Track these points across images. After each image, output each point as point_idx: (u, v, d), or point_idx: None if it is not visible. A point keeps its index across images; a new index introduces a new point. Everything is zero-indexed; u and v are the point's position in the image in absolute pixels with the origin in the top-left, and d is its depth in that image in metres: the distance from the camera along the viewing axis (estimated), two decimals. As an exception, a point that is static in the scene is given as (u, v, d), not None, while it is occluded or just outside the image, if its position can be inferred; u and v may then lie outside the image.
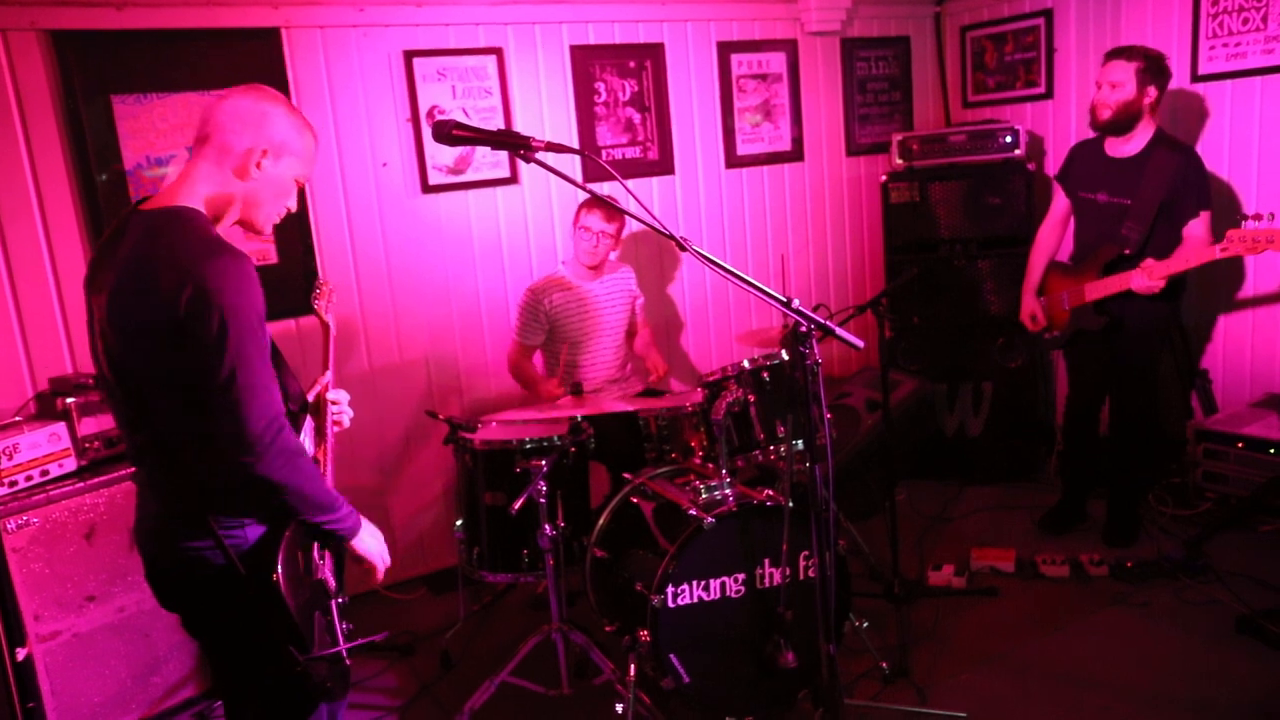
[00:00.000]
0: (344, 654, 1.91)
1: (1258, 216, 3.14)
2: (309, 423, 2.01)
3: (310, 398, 2.11)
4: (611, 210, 3.51)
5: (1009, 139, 4.39)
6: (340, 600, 1.98)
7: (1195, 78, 4.03)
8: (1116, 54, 3.48)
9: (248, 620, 1.77)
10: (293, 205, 1.90)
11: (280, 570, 1.72)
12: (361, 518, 1.93)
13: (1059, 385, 4.54)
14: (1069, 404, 3.97)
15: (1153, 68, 3.42)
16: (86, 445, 2.87)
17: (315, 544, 1.90)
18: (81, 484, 2.79)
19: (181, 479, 1.75)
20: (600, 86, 4.15)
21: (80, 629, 2.78)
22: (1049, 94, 4.59)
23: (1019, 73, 4.69)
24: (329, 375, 2.20)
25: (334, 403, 2.17)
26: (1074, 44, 4.43)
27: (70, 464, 2.83)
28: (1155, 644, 3.07)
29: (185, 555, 1.75)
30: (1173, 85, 4.05)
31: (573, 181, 1.99)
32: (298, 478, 1.71)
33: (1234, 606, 3.16)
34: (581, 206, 3.63)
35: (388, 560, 2.00)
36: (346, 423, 2.20)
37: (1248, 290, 4.03)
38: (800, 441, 2.84)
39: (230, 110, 1.78)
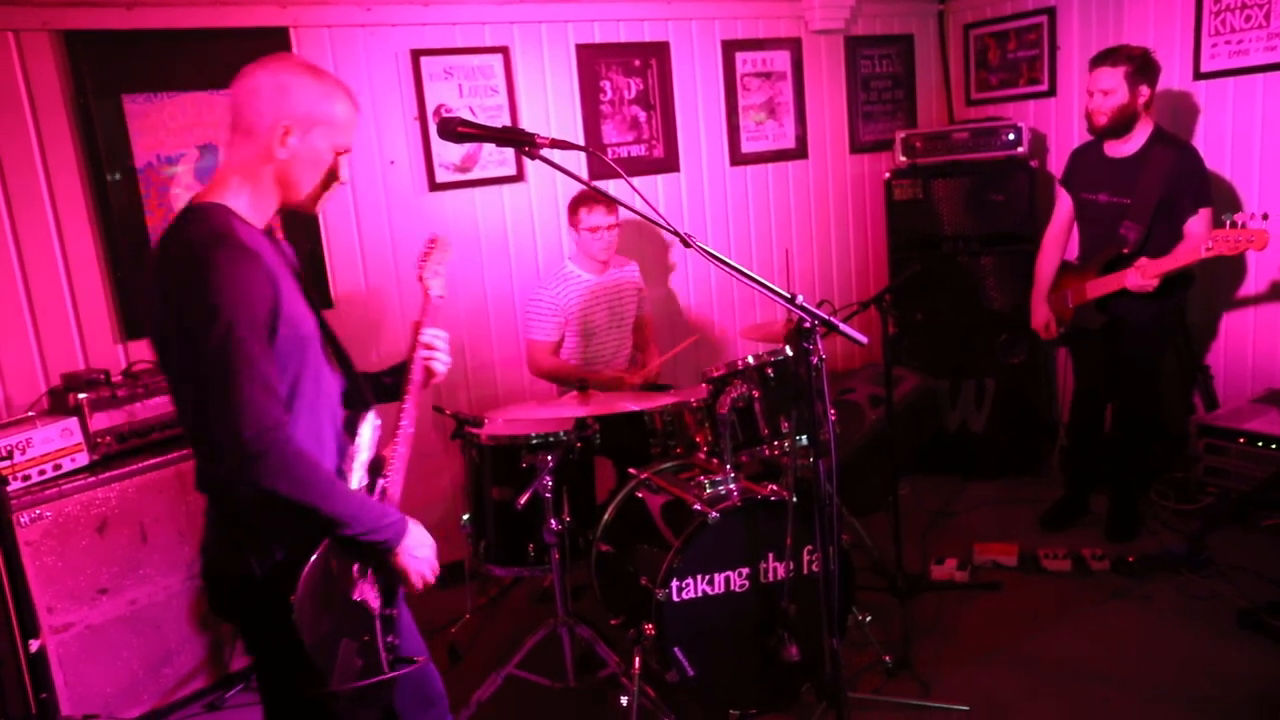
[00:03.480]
0: (379, 681, 1.78)
1: (1248, 216, 3.16)
2: (372, 420, 1.85)
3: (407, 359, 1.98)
4: (610, 201, 3.52)
5: (1012, 136, 4.40)
6: (388, 613, 1.83)
7: (1198, 75, 4.03)
8: (1102, 59, 3.46)
9: (267, 638, 1.72)
10: (342, 177, 1.79)
11: (301, 590, 1.60)
12: (408, 524, 1.78)
13: (1061, 381, 4.56)
14: (1075, 400, 3.98)
15: (1141, 67, 3.40)
16: (99, 440, 2.89)
17: (355, 560, 1.74)
18: (93, 478, 2.82)
19: (214, 481, 1.69)
20: (606, 85, 4.17)
21: (93, 621, 2.82)
22: (1052, 91, 4.60)
23: (1022, 70, 4.71)
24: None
25: (426, 345, 2.00)
26: (1076, 41, 4.45)
27: (82, 458, 2.86)
28: (1157, 638, 3.09)
29: (222, 561, 1.72)
30: (1175, 83, 4.07)
31: (578, 179, 2.01)
32: (300, 490, 1.57)
33: (1236, 600, 3.18)
34: (580, 208, 3.61)
35: (429, 576, 1.83)
36: (441, 369, 2.02)
37: (1249, 287, 4.04)
38: (804, 437, 2.86)
39: (248, 89, 1.68)
